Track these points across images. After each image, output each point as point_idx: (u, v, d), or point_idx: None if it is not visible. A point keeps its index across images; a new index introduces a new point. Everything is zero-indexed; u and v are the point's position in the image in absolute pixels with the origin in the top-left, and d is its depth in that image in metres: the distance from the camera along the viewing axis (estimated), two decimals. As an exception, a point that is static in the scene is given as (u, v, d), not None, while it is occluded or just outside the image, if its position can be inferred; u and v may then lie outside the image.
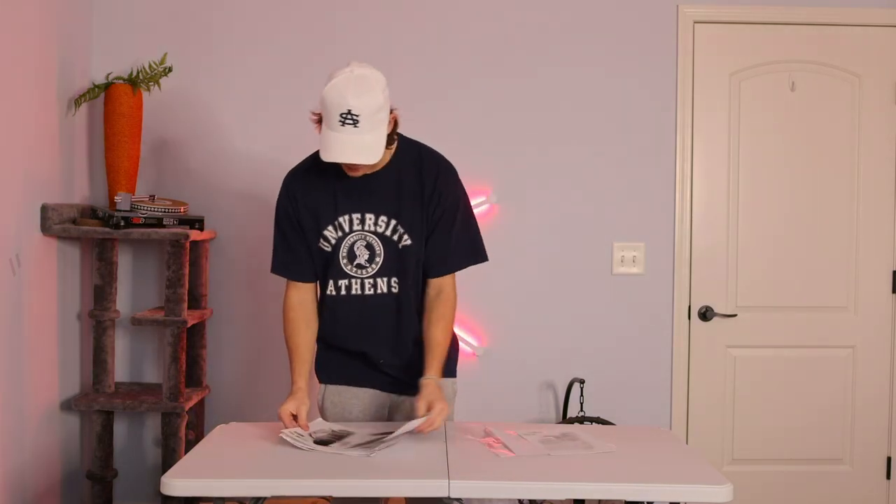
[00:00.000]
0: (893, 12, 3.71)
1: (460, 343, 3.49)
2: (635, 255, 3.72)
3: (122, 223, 3.21)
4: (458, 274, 2.56)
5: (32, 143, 3.12)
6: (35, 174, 3.14)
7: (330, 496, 2.79)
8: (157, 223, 3.26)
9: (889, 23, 3.72)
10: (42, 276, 3.20)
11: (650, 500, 2.07)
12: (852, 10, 3.71)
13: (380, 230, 2.45)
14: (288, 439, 2.29)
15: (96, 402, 3.28)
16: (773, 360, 3.76)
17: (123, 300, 3.60)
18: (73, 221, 3.31)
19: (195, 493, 2.10)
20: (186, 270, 3.27)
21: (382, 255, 2.46)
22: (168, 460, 3.22)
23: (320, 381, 2.62)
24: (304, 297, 2.54)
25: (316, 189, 2.48)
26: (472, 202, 3.54)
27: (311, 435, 2.34)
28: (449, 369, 2.57)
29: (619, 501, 2.24)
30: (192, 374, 3.55)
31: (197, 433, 3.52)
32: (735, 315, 3.74)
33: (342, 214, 2.45)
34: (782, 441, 3.76)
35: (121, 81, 3.37)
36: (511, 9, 3.68)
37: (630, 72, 3.70)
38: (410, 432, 2.28)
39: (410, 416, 2.41)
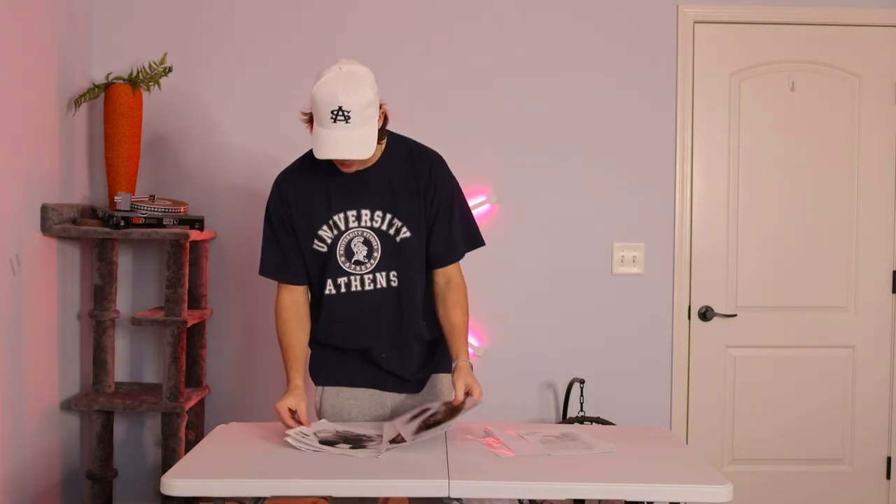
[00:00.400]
0: (893, 12, 3.71)
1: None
2: (635, 255, 3.72)
3: (122, 223, 3.21)
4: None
5: (32, 143, 3.12)
6: (35, 174, 3.14)
7: (330, 496, 2.79)
8: (157, 223, 3.26)
9: (889, 23, 3.72)
10: (42, 276, 3.20)
11: (650, 500, 2.07)
12: (852, 10, 3.71)
13: (376, 225, 2.46)
14: (293, 442, 2.29)
15: (96, 402, 3.28)
16: (773, 360, 3.76)
17: (123, 300, 3.60)
18: (73, 221, 3.31)
19: (195, 493, 2.10)
20: (186, 270, 3.27)
21: (380, 250, 2.46)
22: (168, 460, 3.22)
23: (317, 384, 2.61)
24: (296, 298, 2.54)
25: (309, 190, 2.48)
26: (472, 202, 3.59)
27: (315, 435, 2.34)
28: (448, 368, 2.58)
29: (619, 501, 2.25)
30: (192, 374, 3.55)
31: (197, 433, 3.52)
32: (735, 315, 3.74)
33: (337, 212, 2.46)
34: (782, 441, 3.76)
35: (121, 81, 3.37)
36: (512, 10, 3.68)
37: (630, 72, 3.70)
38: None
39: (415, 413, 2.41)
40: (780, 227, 3.75)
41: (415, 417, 2.37)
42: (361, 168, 2.43)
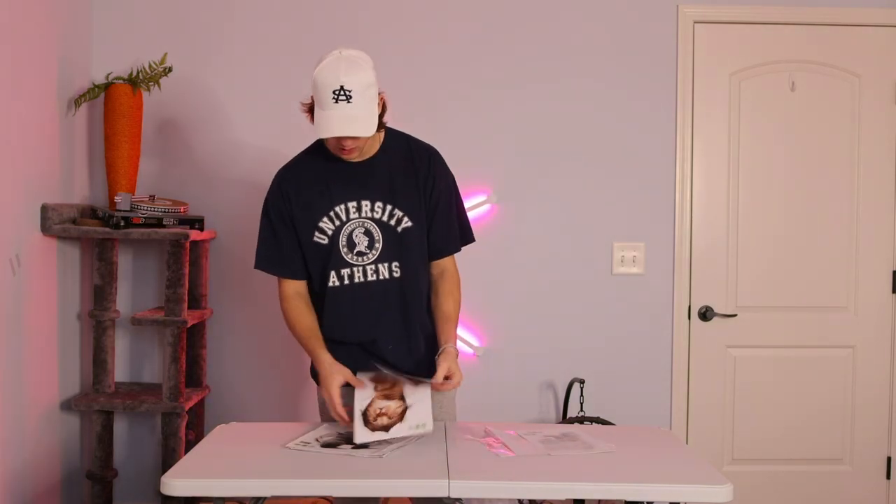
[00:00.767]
0: (893, 12, 3.71)
1: (460, 343, 3.51)
2: (635, 255, 3.72)
3: (122, 223, 3.21)
4: (459, 273, 2.60)
5: (32, 143, 3.12)
6: (35, 174, 3.14)
7: (330, 496, 2.79)
8: (157, 223, 3.26)
9: (889, 23, 3.72)
10: (42, 276, 3.20)
11: (650, 500, 2.07)
12: (852, 10, 3.71)
13: (377, 216, 2.48)
14: (294, 447, 2.28)
15: (96, 402, 3.28)
16: (773, 360, 3.76)
17: (123, 300, 3.60)
18: (73, 221, 3.31)
19: (195, 493, 2.10)
20: (186, 270, 3.27)
21: (381, 241, 2.48)
22: (168, 460, 3.22)
23: (319, 383, 2.61)
24: (298, 288, 2.56)
25: (309, 183, 2.50)
26: (472, 202, 3.60)
27: (317, 441, 2.34)
28: None
29: (619, 501, 2.24)
30: (192, 374, 3.55)
31: (197, 433, 3.52)
32: (735, 315, 3.74)
33: (338, 204, 2.48)
34: (782, 441, 3.76)
35: (121, 81, 3.37)
36: (512, 11, 3.68)
37: (630, 72, 3.70)
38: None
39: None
40: (780, 227, 3.75)
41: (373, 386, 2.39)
42: (360, 159, 2.47)
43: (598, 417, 3.51)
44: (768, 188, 3.75)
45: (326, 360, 2.45)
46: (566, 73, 3.69)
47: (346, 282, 2.49)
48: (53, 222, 3.18)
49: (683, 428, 3.74)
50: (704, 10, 3.70)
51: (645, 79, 3.70)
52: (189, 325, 3.31)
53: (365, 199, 2.48)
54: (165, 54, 3.47)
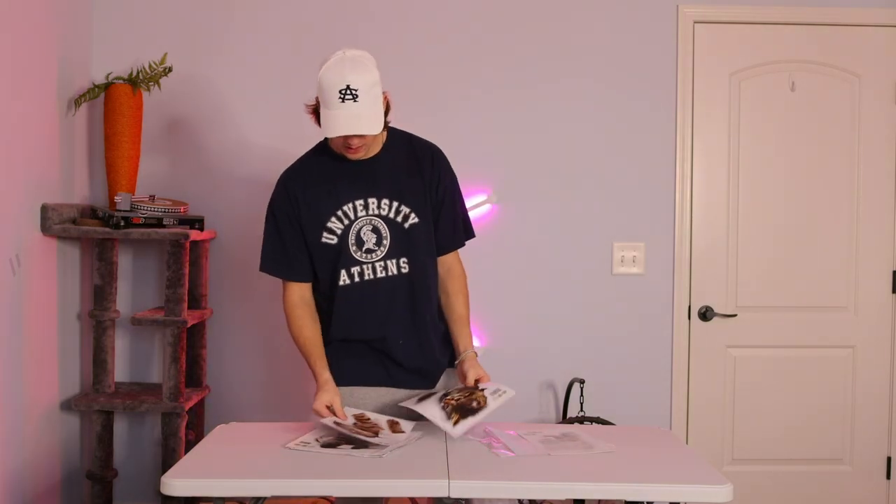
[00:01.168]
0: (893, 12, 3.71)
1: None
2: (635, 255, 3.72)
3: (122, 223, 3.21)
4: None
5: (32, 143, 3.12)
6: (35, 174, 3.14)
7: (331, 496, 2.79)
8: (157, 223, 3.26)
9: (889, 23, 3.72)
10: (42, 276, 3.20)
11: (650, 500, 2.07)
12: (852, 10, 3.71)
13: (384, 213, 2.49)
14: (294, 447, 2.29)
15: (96, 402, 3.28)
16: (773, 360, 3.76)
17: (123, 300, 3.60)
18: (73, 221, 3.31)
19: (195, 493, 2.10)
20: (186, 270, 3.27)
21: (389, 238, 2.49)
22: (168, 460, 3.22)
23: None
24: (304, 293, 2.56)
25: (315, 184, 2.51)
26: (472, 202, 3.60)
27: (317, 441, 2.34)
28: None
29: (619, 501, 2.25)
30: (192, 374, 3.55)
31: (197, 433, 3.52)
32: (735, 315, 3.74)
33: (346, 203, 2.49)
34: (782, 441, 3.76)
35: (121, 81, 3.37)
36: (512, 11, 3.68)
37: (630, 72, 3.70)
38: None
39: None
40: (780, 227, 3.75)
41: (424, 399, 2.43)
42: (366, 157, 2.48)
43: (598, 417, 3.51)
44: (768, 188, 3.74)
45: (323, 376, 2.48)
46: (566, 73, 3.69)
47: (357, 279, 2.50)
48: (53, 222, 3.18)
49: (683, 428, 3.74)
50: (704, 10, 3.70)
51: (645, 79, 3.70)
52: (189, 325, 3.31)
53: (372, 196, 2.49)
54: (165, 54, 3.47)
